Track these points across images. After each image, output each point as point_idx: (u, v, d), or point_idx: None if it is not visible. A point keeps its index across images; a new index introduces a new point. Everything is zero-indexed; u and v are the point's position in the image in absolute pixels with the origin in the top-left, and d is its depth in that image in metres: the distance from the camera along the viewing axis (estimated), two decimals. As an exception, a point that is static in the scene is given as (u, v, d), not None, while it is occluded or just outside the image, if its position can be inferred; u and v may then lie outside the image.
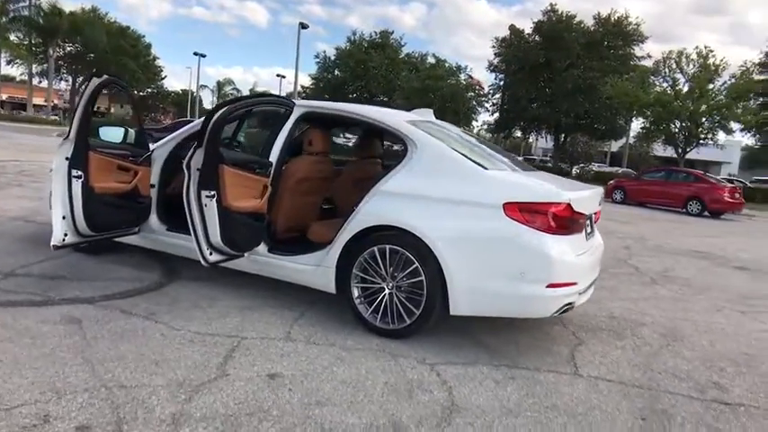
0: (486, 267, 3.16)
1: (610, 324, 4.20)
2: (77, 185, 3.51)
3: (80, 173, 3.51)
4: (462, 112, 39.10)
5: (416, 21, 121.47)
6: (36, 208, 6.23)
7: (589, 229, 3.75)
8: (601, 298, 4.69)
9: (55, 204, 3.52)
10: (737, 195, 18.20)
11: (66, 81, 54.85)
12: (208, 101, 64.48)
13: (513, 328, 3.78)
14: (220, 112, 3.33)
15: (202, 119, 3.51)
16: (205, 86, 64.71)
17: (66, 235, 3.57)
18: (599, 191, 3.99)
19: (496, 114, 41.60)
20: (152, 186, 4.18)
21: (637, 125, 35.21)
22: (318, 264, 3.60)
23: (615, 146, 48.32)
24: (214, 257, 3.53)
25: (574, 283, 3.23)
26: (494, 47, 40.50)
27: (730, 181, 22.98)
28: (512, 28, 39.68)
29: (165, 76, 67.82)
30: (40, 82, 52.52)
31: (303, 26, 36.65)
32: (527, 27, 39.59)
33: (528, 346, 3.52)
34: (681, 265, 7.28)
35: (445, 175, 3.36)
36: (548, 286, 3.10)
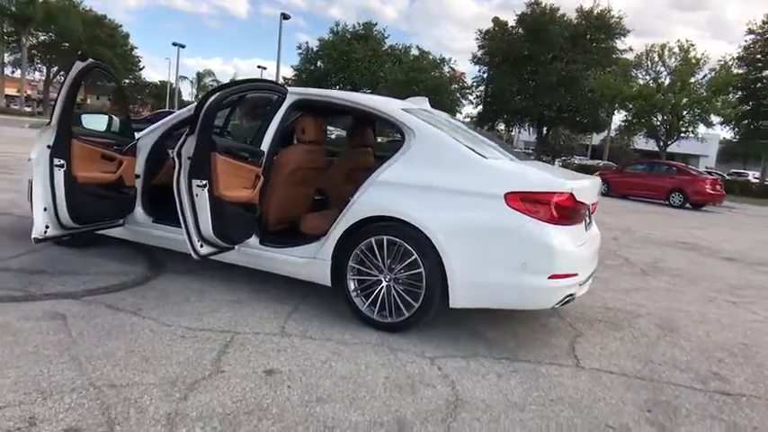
0: (488, 258, 3.09)
1: (606, 315, 4.18)
2: (60, 175, 3.35)
3: (62, 162, 3.34)
4: (447, 105, 39.02)
5: (398, 13, 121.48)
6: (12, 200, 6.00)
7: (588, 220, 3.70)
8: (594, 289, 4.66)
9: (35, 195, 3.35)
10: (718, 187, 18.46)
11: (41, 71, 53.35)
12: (187, 92, 63.61)
13: (511, 320, 3.72)
14: (214, 96, 3.19)
15: (194, 104, 3.36)
16: (184, 78, 63.76)
17: (47, 227, 3.41)
18: (597, 181, 3.95)
19: (480, 107, 41.60)
20: (137, 177, 4.02)
21: (618, 118, 35.55)
22: (313, 256, 3.50)
23: (596, 139, 48.78)
24: (205, 250, 3.40)
25: (575, 274, 3.18)
26: (477, 39, 40.40)
27: (709, 173, 23.31)
28: (495, 20, 39.66)
29: (144, 67, 66.54)
30: (13, 72, 51.16)
31: (285, 17, 36.21)
32: (510, 20, 39.67)
33: (527, 339, 3.47)
34: (669, 257, 7.32)
35: (445, 165, 3.27)
36: (550, 277, 3.04)
